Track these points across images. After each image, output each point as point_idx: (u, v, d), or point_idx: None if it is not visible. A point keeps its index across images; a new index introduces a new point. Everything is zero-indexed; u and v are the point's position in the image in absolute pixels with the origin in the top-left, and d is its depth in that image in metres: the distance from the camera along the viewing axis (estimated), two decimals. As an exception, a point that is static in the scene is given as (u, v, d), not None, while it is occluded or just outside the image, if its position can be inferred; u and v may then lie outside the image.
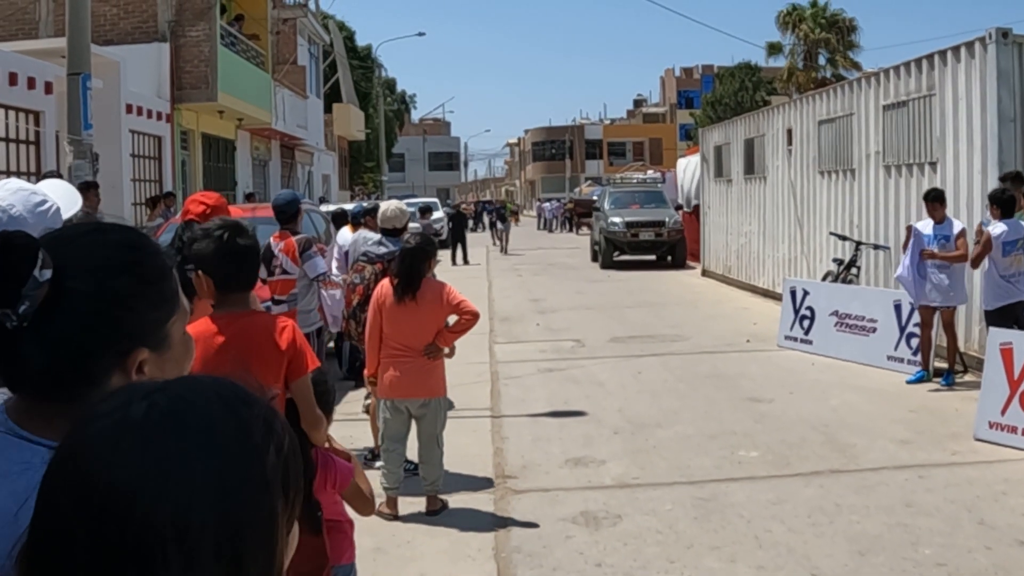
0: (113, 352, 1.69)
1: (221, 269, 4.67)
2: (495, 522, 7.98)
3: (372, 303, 8.19)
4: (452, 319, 8.21)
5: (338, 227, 14.68)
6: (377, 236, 12.96)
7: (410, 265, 7.99)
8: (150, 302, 1.74)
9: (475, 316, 8.10)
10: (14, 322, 1.61)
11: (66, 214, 3.20)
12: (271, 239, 10.08)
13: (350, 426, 10.93)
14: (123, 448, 1.18)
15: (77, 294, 1.66)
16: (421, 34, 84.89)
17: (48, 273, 1.62)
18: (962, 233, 12.40)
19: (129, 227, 1.86)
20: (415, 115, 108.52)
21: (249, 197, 28.26)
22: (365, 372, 8.44)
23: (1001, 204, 11.54)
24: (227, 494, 1.18)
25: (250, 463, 1.22)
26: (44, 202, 3.05)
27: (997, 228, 11.40)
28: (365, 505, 4.76)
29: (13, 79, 16.66)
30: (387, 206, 9.93)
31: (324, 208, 19.43)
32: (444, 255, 35.14)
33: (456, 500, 8.43)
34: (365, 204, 14.98)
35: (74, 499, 1.16)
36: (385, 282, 8.18)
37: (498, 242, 44.71)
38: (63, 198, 3.31)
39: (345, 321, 9.45)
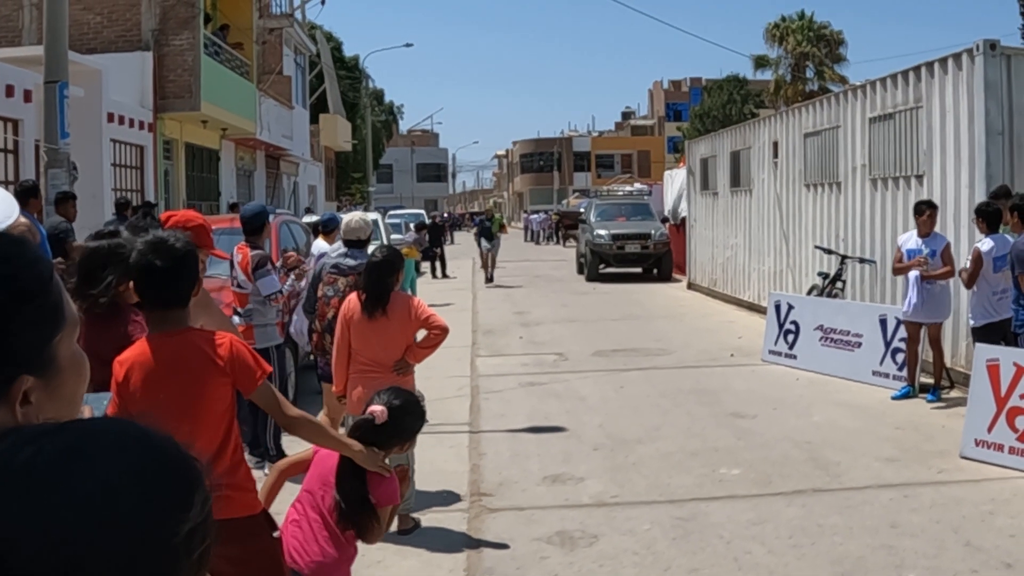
0: None
1: (140, 288, 4.50)
2: (468, 542, 7.80)
3: (339, 319, 8.01)
4: (421, 334, 8.03)
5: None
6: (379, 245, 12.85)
7: (378, 278, 7.81)
8: (29, 321, 1.49)
9: (444, 331, 7.91)
10: None
11: (1, 225, 3.00)
12: (235, 249, 9.92)
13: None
14: (5, 497, 1.07)
15: None
16: (409, 45, 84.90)
17: None
18: (947, 248, 12.29)
19: None
20: (403, 126, 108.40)
21: (233, 207, 28.08)
22: (333, 390, 8.26)
23: (987, 217, 11.40)
24: (112, 553, 1.05)
25: (143, 522, 1.08)
26: None
27: (986, 244, 11.25)
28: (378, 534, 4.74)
29: (-9, 87, 16.50)
30: (350, 218, 9.74)
31: (306, 219, 19.26)
32: (429, 265, 34.98)
33: (429, 518, 8.24)
34: (344, 216, 14.80)
35: None
36: (352, 297, 7.99)
37: (483, 265, 33.27)
38: None
39: (319, 335, 9.24)
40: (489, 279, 32.24)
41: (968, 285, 11.40)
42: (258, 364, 4.49)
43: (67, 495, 1.06)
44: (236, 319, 9.33)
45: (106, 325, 5.02)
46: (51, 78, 13.89)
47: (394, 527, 7.94)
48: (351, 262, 9.09)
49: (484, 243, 33.06)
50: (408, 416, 4.78)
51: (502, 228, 36.38)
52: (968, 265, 11.47)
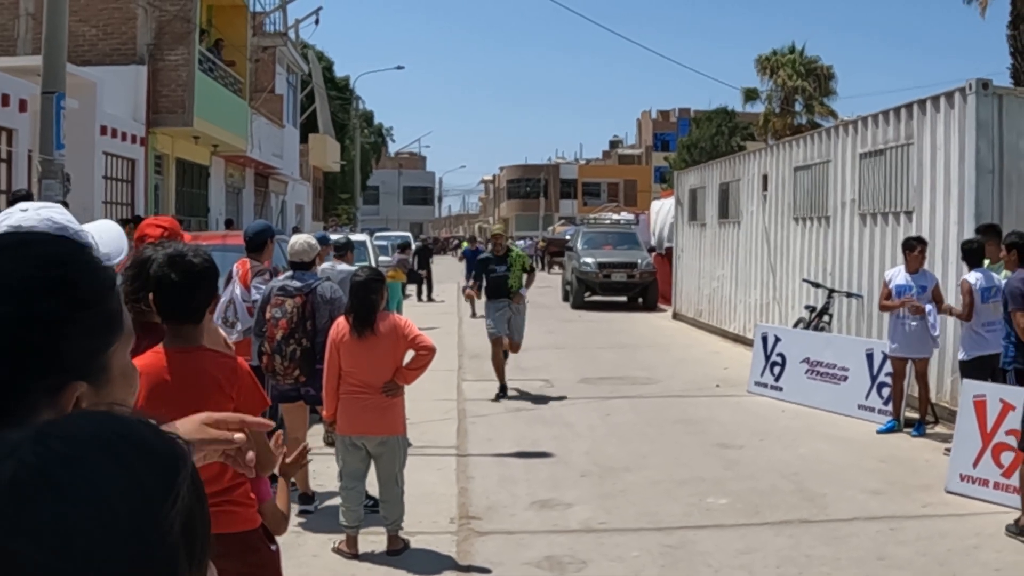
0: (41, 387, 1.45)
1: (156, 301, 4.51)
2: (457, 564, 7.81)
3: (329, 344, 8.05)
4: (408, 357, 8.07)
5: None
6: (343, 266, 12.87)
7: (363, 298, 7.86)
8: (85, 328, 1.49)
9: (431, 351, 7.96)
10: None
11: (111, 262, 3.04)
12: (235, 266, 9.97)
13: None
14: None
15: None
16: (400, 67, 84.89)
17: None
18: (937, 285, 12.42)
19: (61, 239, 1.63)
20: (391, 148, 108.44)
21: (228, 224, 28.07)
22: (324, 415, 8.26)
23: (967, 255, 11.56)
24: (117, 562, 1.00)
25: (142, 524, 1.03)
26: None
27: (973, 276, 11.37)
28: (279, 524, 4.60)
29: (-13, 96, 16.50)
30: (296, 240, 9.80)
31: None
32: (415, 288, 34.87)
33: (418, 540, 8.25)
34: (336, 237, 14.87)
35: None
36: (340, 320, 8.05)
37: (495, 365, 15.82)
38: (108, 243, 3.16)
39: (268, 356, 9.23)
40: (502, 389, 15.59)
41: (967, 317, 11.46)
42: (261, 396, 4.51)
43: (58, 512, 1.00)
44: (233, 333, 9.34)
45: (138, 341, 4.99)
46: (48, 89, 13.88)
47: (384, 547, 7.98)
48: (297, 284, 9.17)
49: (495, 312, 15.69)
50: None
51: (529, 275, 15.99)
52: (958, 301, 11.59)
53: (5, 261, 1.49)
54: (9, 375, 1.42)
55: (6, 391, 1.42)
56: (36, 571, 0.97)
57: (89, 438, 1.07)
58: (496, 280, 15.70)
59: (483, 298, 16.19)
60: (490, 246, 16.50)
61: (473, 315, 23.80)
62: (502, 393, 15.45)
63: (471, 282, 16.69)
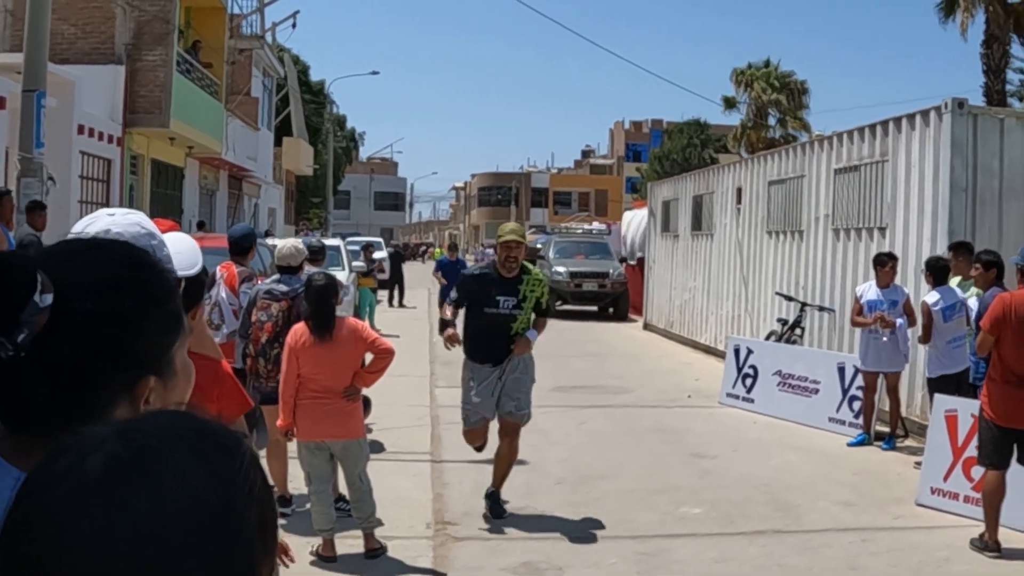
0: (119, 381, 1.55)
1: None
2: (435, 571, 7.87)
3: (286, 350, 8.05)
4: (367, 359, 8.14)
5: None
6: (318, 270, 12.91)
7: (321, 301, 7.92)
8: (158, 324, 1.60)
9: (390, 353, 8.01)
10: (10, 352, 1.45)
11: (179, 272, 3.12)
12: (218, 268, 10.01)
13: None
14: (87, 512, 1.04)
15: (80, 317, 1.51)
16: (375, 72, 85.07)
17: (49, 298, 1.47)
18: (908, 300, 12.58)
19: (129, 243, 1.74)
20: (363, 153, 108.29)
21: (201, 226, 28.01)
22: (279, 423, 8.18)
23: (934, 272, 11.70)
24: (206, 550, 1.05)
25: (227, 514, 1.08)
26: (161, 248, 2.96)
27: (932, 296, 11.51)
28: None
29: (-38, 93, 16.44)
30: (283, 244, 9.88)
31: (270, 242, 19.28)
32: (385, 294, 34.78)
33: (395, 545, 8.27)
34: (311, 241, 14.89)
35: (37, 572, 1.04)
36: (299, 326, 8.06)
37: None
38: (182, 254, 3.26)
39: (252, 359, 9.27)
40: (493, 500, 9.42)
41: (924, 340, 11.64)
42: (243, 397, 4.53)
43: (152, 503, 1.05)
44: (217, 335, 9.38)
45: None
46: (29, 87, 13.89)
47: (362, 548, 8.02)
48: (283, 287, 9.22)
49: (481, 379, 9.39)
50: None
51: (542, 315, 9.50)
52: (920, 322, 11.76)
53: (85, 262, 1.59)
54: (93, 368, 1.52)
55: (90, 384, 1.53)
56: (132, 562, 1.02)
57: (170, 434, 1.13)
58: (495, 321, 9.22)
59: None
60: (488, 259, 11.31)
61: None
62: (495, 503, 9.39)
63: (451, 309, 9.50)
